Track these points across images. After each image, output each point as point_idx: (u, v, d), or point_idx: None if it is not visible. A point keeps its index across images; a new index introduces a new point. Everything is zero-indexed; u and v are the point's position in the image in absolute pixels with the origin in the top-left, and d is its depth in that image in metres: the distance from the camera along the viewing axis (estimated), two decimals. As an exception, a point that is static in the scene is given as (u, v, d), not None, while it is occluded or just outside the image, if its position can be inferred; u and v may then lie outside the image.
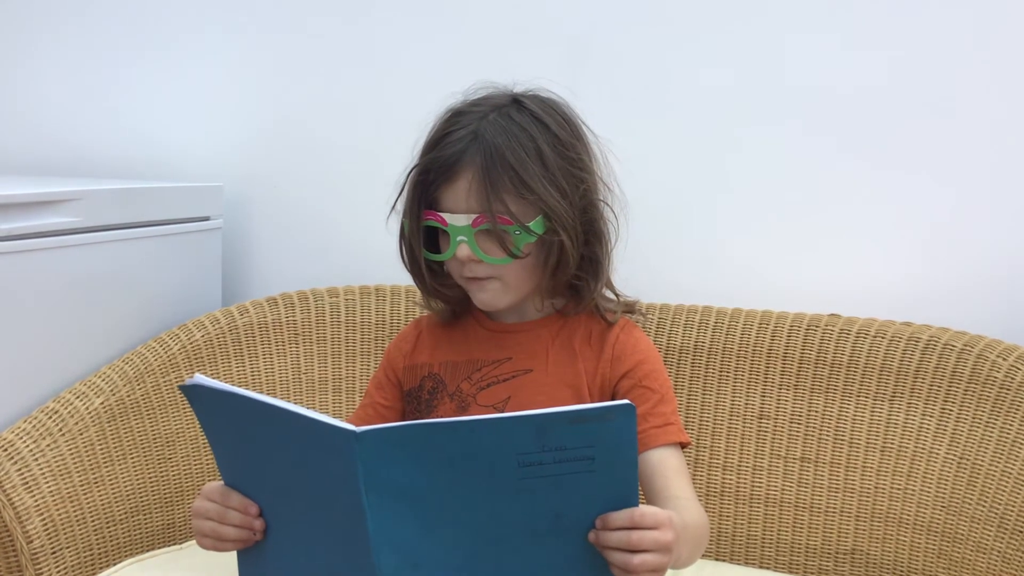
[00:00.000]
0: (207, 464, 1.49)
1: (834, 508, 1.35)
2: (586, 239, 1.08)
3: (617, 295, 1.16)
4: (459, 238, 1.04)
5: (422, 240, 1.10)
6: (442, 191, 1.06)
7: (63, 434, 1.33)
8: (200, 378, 0.88)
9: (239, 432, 0.90)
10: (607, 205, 1.11)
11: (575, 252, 1.05)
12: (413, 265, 1.12)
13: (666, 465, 1.04)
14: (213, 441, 0.94)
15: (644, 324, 1.32)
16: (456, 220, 1.04)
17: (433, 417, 1.11)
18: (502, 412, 1.08)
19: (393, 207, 1.11)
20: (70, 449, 1.33)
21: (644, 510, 0.83)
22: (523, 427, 0.79)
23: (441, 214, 1.05)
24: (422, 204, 1.08)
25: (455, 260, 1.06)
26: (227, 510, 0.93)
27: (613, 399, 1.09)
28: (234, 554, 0.97)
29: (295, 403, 1.56)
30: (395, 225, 1.13)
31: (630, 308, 1.17)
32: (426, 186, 1.07)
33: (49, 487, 1.29)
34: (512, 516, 0.82)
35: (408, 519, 0.81)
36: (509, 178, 1.02)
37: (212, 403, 0.90)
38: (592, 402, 1.08)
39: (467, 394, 1.10)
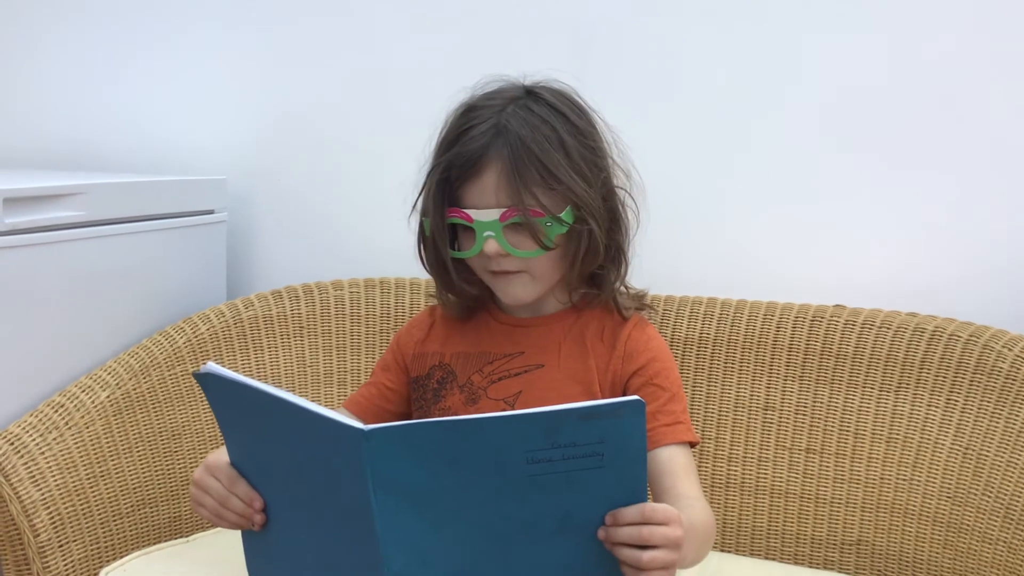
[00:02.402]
0: (213, 457, 1.50)
1: (839, 499, 1.35)
2: (609, 226, 1.08)
3: (627, 287, 1.16)
4: (486, 233, 1.03)
5: (447, 238, 1.08)
6: (466, 188, 1.04)
7: (69, 428, 1.33)
8: (212, 366, 0.88)
9: (249, 421, 0.91)
10: (626, 192, 1.11)
11: (604, 240, 1.06)
12: (438, 264, 1.11)
13: (674, 463, 1.04)
14: (223, 427, 0.94)
15: (651, 317, 1.32)
16: (482, 215, 1.03)
17: (441, 407, 1.11)
18: (512, 406, 1.08)
19: (414, 207, 1.10)
20: (76, 443, 1.33)
21: (655, 506, 0.83)
22: (532, 424, 0.79)
23: (466, 211, 1.04)
24: (446, 202, 1.06)
25: (481, 256, 1.06)
26: (231, 496, 0.93)
27: (624, 396, 1.08)
28: (240, 548, 0.98)
29: (300, 396, 1.57)
30: (397, 218, 1.13)
31: (640, 301, 1.16)
32: (449, 183, 1.06)
33: (56, 481, 1.29)
34: (521, 513, 0.82)
35: (416, 517, 0.80)
36: (537, 170, 1.01)
37: (223, 392, 0.90)
38: (603, 398, 1.08)
39: (478, 387, 1.10)
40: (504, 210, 1.02)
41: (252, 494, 0.93)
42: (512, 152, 1.01)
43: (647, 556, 0.82)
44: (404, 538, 0.80)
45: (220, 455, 0.96)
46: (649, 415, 1.04)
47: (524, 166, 1.01)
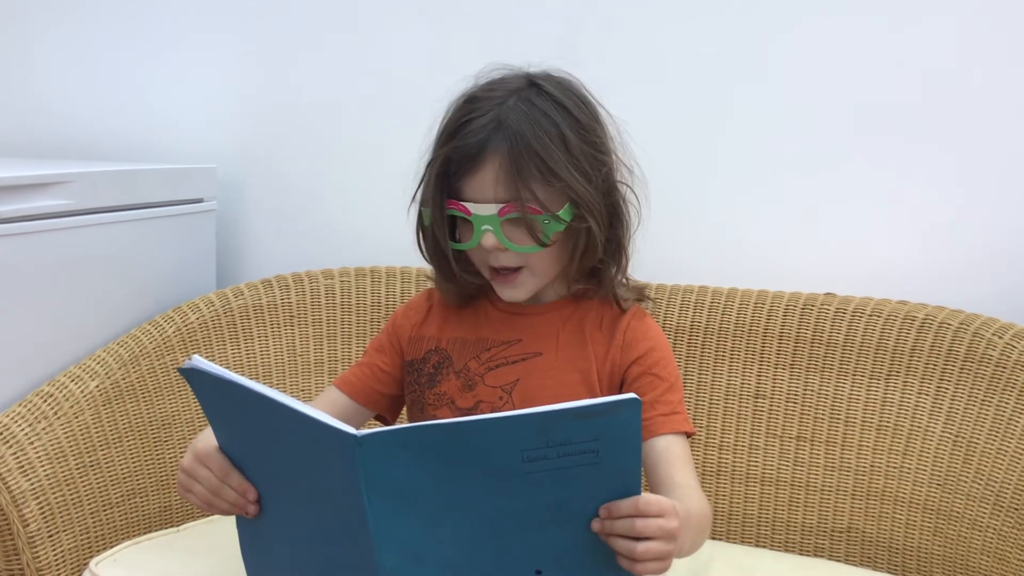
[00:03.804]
0: (203, 447, 1.49)
1: (830, 487, 1.36)
2: (609, 222, 1.07)
3: (627, 279, 1.15)
4: (484, 227, 1.02)
5: (446, 229, 1.07)
6: (465, 180, 1.03)
7: (58, 417, 1.33)
8: (198, 361, 0.87)
9: (237, 417, 0.90)
10: (628, 187, 1.09)
11: (602, 237, 1.05)
12: (437, 255, 1.10)
13: (671, 453, 1.04)
14: (211, 418, 0.93)
15: (649, 307, 1.31)
16: (480, 209, 1.02)
17: (436, 392, 1.10)
18: (509, 394, 1.08)
19: (413, 198, 1.09)
20: (66, 432, 1.33)
21: (648, 498, 0.83)
22: (527, 425, 0.78)
23: (464, 203, 1.03)
24: (444, 194, 1.05)
25: (480, 248, 1.05)
26: (224, 486, 0.93)
27: (622, 385, 1.08)
28: (231, 538, 0.97)
29: (291, 384, 1.57)
30: (388, 207, 1.12)
31: (641, 293, 1.16)
32: (448, 175, 1.04)
33: (45, 470, 1.28)
34: (515, 509, 0.82)
35: (410, 516, 0.80)
36: (536, 166, 1.00)
37: (211, 387, 0.89)
38: (601, 387, 1.08)
39: (475, 373, 1.10)
40: (503, 205, 1.01)
41: (246, 485, 0.93)
42: (511, 147, 1.00)
43: (641, 547, 0.82)
44: (398, 536, 0.80)
45: (207, 440, 0.95)
46: (647, 404, 1.04)
47: (523, 162, 1.00)
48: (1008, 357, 1.27)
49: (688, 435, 1.08)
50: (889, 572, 1.32)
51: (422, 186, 1.08)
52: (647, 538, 0.82)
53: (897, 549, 1.32)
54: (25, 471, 1.26)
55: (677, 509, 0.85)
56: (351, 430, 0.78)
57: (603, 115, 1.09)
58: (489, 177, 1.01)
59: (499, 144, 1.00)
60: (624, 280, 1.14)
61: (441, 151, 1.05)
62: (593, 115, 1.07)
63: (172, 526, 1.40)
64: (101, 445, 1.37)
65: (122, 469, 1.39)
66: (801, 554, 1.37)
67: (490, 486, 0.80)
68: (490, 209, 1.01)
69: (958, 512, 1.28)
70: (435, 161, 1.05)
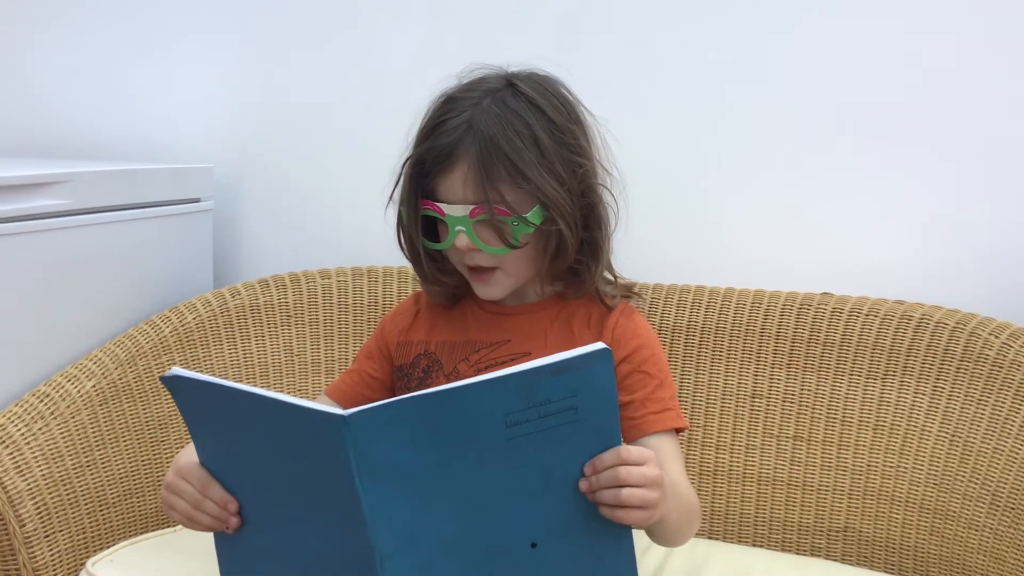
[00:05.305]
0: (200, 446, 1.49)
1: (826, 486, 1.36)
2: (585, 224, 1.07)
3: (615, 277, 1.16)
4: (457, 228, 1.03)
5: (421, 228, 1.08)
6: (438, 181, 1.04)
7: (55, 417, 1.33)
8: (178, 371, 0.87)
9: (221, 422, 0.89)
10: (606, 188, 1.10)
11: (574, 239, 1.04)
12: (412, 254, 1.11)
13: (662, 451, 1.04)
14: (193, 429, 0.93)
15: (639, 305, 1.32)
16: (453, 210, 1.03)
17: None
18: None
19: (391, 197, 1.10)
20: (62, 432, 1.33)
21: (629, 447, 0.85)
22: (507, 386, 0.80)
23: (438, 204, 1.04)
24: (419, 194, 1.06)
25: (455, 249, 1.06)
26: (205, 499, 0.92)
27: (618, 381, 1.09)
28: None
29: (288, 384, 1.57)
30: (381, 206, 1.12)
31: (629, 290, 1.16)
32: (422, 176, 1.05)
33: (41, 471, 1.29)
34: (504, 479, 0.83)
35: (403, 497, 0.81)
36: (505, 168, 1.00)
37: (193, 394, 0.89)
38: None
39: (464, 375, 1.10)
40: (473, 207, 1.02)
41: (226, 497, 0.92)
42: (481, 149, 1.00)
43: (626, 491, 0.83)
44: (392, 521, 0.81)
45: (189, 455, 0.95)
46: (637, 403, 1.05)
47: (492, 164, 1.00)
48: (1004, 356, 1.27)
49: (681, 430, 1.08)
50: (886, 572, 1.33)
51: (399, 186, 1.08)
52: (632, 485, 0.83)
53: (894, 548, 1.32)
54: (22, 471, 1.26)
55: (656, 459, 0.87)
56: (337, 411, 0.78)
57: (584, 116, 1.09)
58: (459, 178, 1.02)
59: (469, 146, 1.01)
60: (611, 279, 1.14)
61: (416, 151, 1.06)
62: (571, 116, 1.06)
63: (169, 526, 1.40)
64: (98, 445, 1.37)
65: (119, 469, 1.40)
66: (798, 554, 1.37)
67: (477, 457, 0.82)
68: (462, 210, 1.02)
69: (955, 511, 1.28)
70: (409, 161, 1.06)
